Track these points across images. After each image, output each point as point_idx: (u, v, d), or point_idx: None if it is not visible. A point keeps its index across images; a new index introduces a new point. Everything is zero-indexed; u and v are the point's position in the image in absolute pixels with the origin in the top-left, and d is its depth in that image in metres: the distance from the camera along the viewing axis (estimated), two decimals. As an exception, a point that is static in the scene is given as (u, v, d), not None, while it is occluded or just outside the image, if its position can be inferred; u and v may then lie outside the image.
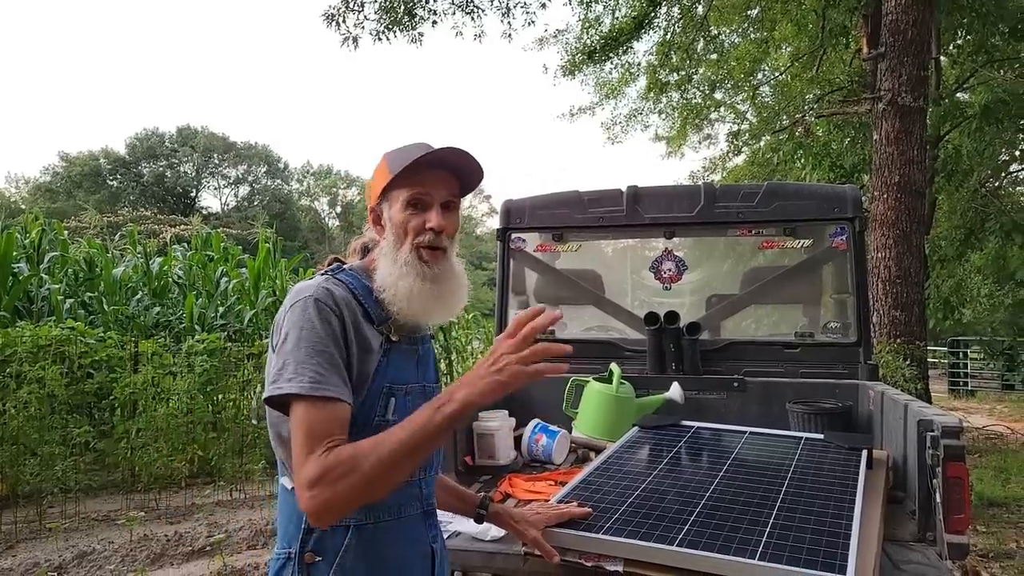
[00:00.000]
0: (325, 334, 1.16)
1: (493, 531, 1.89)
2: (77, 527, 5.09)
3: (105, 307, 7.93)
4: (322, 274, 1.29)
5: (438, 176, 1.29)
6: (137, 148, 41.64)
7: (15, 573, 4.10)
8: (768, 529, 1.59)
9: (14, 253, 7.34)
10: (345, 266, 1.33)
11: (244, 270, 9.79)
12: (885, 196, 6.81)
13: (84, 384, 5.85)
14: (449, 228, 1.29)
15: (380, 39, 9.10)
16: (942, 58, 11.06)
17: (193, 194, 43.77)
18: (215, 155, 43.79)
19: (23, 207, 26.62)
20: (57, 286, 7.73)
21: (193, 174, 43.74)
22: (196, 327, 8.22)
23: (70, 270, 8.55)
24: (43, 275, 7.76)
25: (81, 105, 77.16)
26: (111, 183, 40.09)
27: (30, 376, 5.20)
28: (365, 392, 1.21)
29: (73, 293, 8.13)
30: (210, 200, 45.27)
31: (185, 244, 12.75)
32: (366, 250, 1.38)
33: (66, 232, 9.61)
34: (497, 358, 1.09)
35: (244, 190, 45.88)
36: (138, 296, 8.71)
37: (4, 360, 5.37)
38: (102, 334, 6.33)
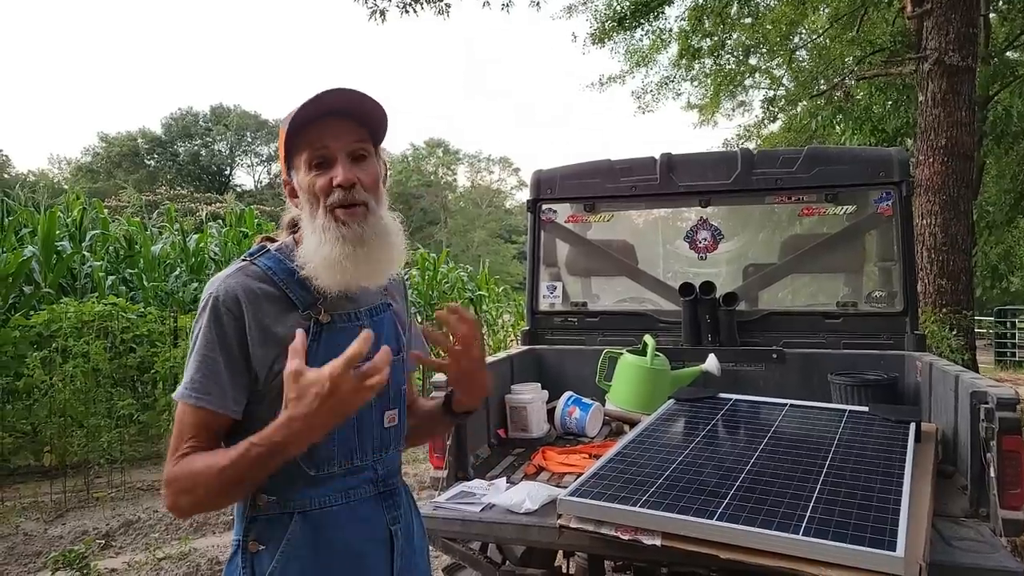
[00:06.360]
0: (215, 338, 1.12)
1: (527, 504, 1.88)
2: (123, 496, 5.27)
3: (145, 283, 8.11)
4: (242, 259, 1.20)
5: (336, 126, 1.15)
6: (173, 128, 42.32)
7: (65, 540, 4.26)
8: (812, 504, 1.54)
9: (57, 232, 7.52)
10: (271, 247, 1.23)
11: (277, 246, 9.87)
12: (931, 160, 6.54)
13: (127, 358, 6.00)
14: (365, 179, 1.16)
15: (407, 11, 8.98)
16: (991, 15, 10.53)
17: (227, 172, 44.40)
18: (248, 133, 44.25)
19: (65, 187, 27.30)
20: (99, 263, 7.92)
21: (227, 152, 44.32)
22: (232, 302, 8.34)
23: (111, 247, 8.75)
24: (85, 252, 7.95)
25: (119, 86, 78.52)
26: (149, 163, 40.88)
27: (75, 351, 5.35)
28: None
29: (114, 270, 8.32)
30: (243, 178, 45.92)
31: (220, 221, 12.96)
32: (296, 226, 1.26)
33: (106, 211, 9.81)
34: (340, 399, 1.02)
35: (276, 167, 46.08)
36: (176, 272, 8.88)
37: (50, 335, 5.54)
38: (143, 309, 6.47)
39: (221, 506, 1.15)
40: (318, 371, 1.02)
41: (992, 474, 1.70)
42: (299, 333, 1.07)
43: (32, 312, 6.13)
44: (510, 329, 13.17)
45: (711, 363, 2.75)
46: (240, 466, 1.05)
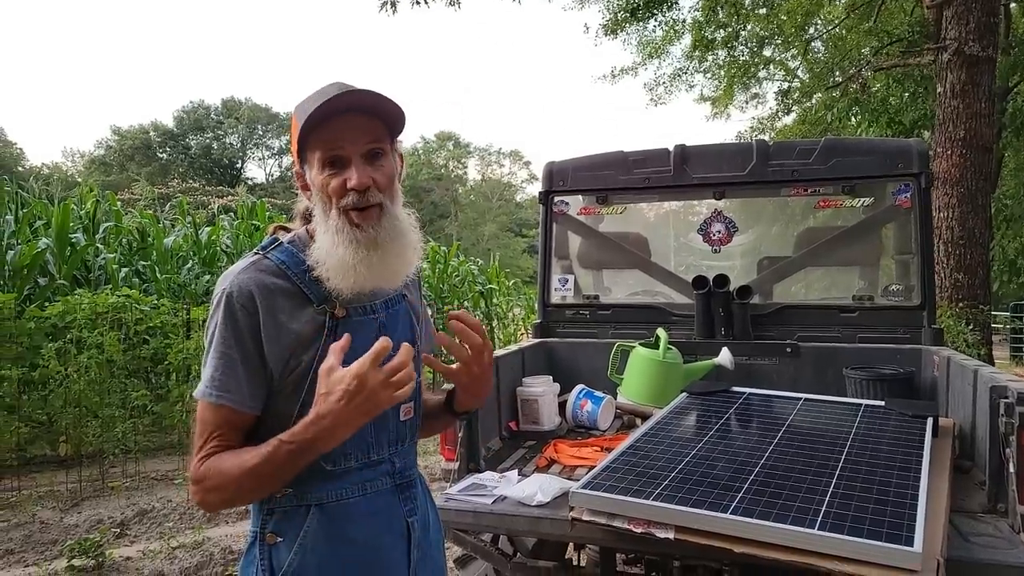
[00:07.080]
0: (230, 335, 1.11)
1: (539, 496, 1.87)
2: (137, 486, 5.33)
3: (158, 275, 8.16)
4: (255, 253, 1.18)
5: (353, 124, 1.11)
6: (184, 121, 42.56)
7: (81, 529, 4.31)
8: (827, 498, 1.53)
9: (71, 224, 7.59)
10: (284, 239, 1.20)
11: (289, 238, 9.91)
12: (949, 152, 6.46)
13: (140, 350, 6.05)
14: (380, 179, 1.13)
15: (418, 2, 8.96)
16: (1012, 4, 10.36)
17: (239, 165, 44.63)
18: (259, 126, 44.43)
19: (79, 180, 27.54)
20: (112, 255, 7.98)
21: (238, 145, 44.53)
22: (244, 295, 8.39)
23: (124, 240, 8.82)
24: (99, 245, 8.01)
25: (131, 80, 78.98)
26: (161, 156, 41.16)
27: (90, 342, 5.40)
28: (310, 375, 1.12)
29: (127, 262, 8.38)
30: (255, 171, 46.15)
31: (232, 214, 13.02)
32: (310, 215, 1.23)
33: (119, 203, 9.88)
34: (368, 394, 1.02)
35: (287, 160, 46.48)
36: (188, 265, 8.93)
37: (65, 326, 5.58)
38: (156, 301, 6.52)
39: (251, 501, 1.16)
40: (346, 369, 1.02)
41: (1011, 469, 1.67)
42: (345, 336, 1.08)
43: (47, 303, 6.17)
44: (520, 323, 13.16)
45: (724, 357, 2.73)
46: (271, 464, 1.05)
